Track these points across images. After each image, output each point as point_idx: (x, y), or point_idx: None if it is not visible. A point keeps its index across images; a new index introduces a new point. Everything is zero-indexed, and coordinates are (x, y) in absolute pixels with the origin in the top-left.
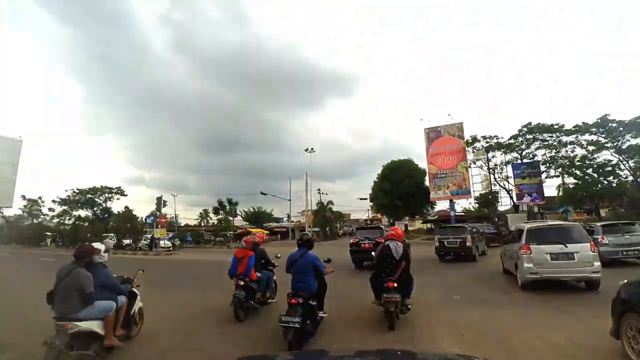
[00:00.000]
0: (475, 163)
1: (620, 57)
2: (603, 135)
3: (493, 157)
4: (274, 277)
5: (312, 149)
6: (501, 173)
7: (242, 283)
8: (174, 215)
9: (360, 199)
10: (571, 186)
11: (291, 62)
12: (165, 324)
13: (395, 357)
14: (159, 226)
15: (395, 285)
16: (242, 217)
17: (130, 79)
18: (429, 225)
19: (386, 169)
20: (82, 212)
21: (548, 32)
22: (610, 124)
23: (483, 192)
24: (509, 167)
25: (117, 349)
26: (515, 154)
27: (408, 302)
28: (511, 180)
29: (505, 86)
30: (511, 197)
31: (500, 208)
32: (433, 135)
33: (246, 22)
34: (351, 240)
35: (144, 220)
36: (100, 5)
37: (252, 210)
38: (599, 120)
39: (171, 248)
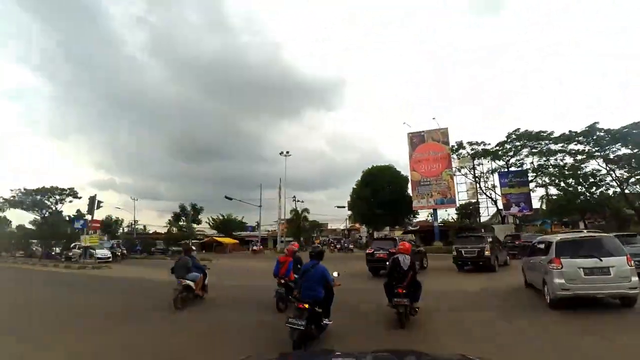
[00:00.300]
0: (460, 171)
1: (624, 58)
2: (590, 145)
3: (479, 164)
4: None
5: (287, 152)
6: (487, 182)
7: (282, 282)
8: (134, 221)
9: (338, 207)
10: (554, 197)
11: (274, 71)
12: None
13: (401, 357)
14: (90, 232)
15: (404, 291)
16: (209, 224)
17: (103, 79)
18: (409, 236)
19: (367, 174)
20: (31, 215)
21: (552, 34)
22: (597, 133)
23: (465, 201)
24: (495, 175)
25: (200, 297)
26: (501, 162)
27: (416, 306)
28: (497, 190)
29: (509, 88)
30: (497, 207)
31: (482, 219)
32: (416, 140)
33: (229, 27)
34: (367, 251)
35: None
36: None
37: (220, 217)
38: (587, 129)
39: (110, 259)
